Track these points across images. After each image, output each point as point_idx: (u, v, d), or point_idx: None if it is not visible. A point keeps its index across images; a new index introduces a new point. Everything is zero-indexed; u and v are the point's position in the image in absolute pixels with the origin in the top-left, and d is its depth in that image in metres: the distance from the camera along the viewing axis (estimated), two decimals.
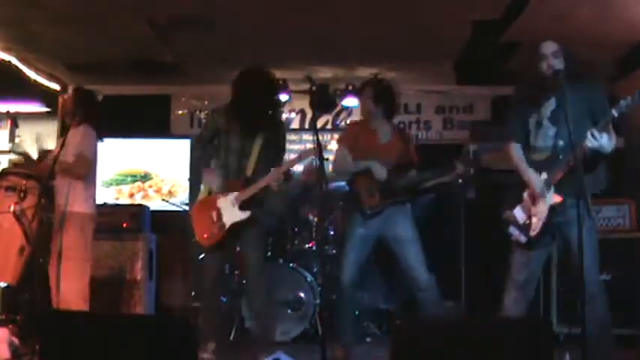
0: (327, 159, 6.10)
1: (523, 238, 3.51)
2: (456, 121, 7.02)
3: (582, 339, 2.98)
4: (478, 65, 6.05)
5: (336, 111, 7.05)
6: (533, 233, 3.47)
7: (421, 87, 6.89)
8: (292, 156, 4.21)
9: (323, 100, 6.58)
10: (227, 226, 4.04)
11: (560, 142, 3.40)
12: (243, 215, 4.02)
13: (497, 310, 3.66)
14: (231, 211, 4.03)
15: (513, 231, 3.56)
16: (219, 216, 4.05)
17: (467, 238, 5.67)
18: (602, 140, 3.19)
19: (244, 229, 4.07)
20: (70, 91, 4.68)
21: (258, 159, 4.09)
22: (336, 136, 6.94)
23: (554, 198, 3.40)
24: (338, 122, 7.12)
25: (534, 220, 3.46)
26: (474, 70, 6.24)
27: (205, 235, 4.08)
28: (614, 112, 3.19)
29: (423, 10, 5.01)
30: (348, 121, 6.91)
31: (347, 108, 7.04)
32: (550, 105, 3.47)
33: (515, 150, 3.59)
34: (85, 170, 4.34)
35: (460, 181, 4.48)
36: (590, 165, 3.33)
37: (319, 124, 7.02)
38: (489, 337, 2.62)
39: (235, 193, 4.04)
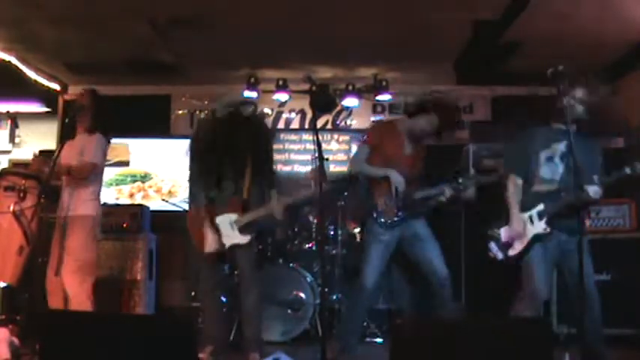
0: (327, 159, 6.13)
1: (500, 256, 3.72)
2: None
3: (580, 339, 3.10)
4: (478, 65, 6.05)
5: (336, 111, 7.05)
6: (511, 253, 3.66)
7: (421, 87, 6.89)
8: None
9: (323, 100, 6.58)
10: (226, 247, 4.08)
11: (567, 181, 3.56)
12: (244, 240, 4.08)
13: (498, 310, 3.67)
14: (231, 233, 4.07)
15: (492, 247, 3.75)
16: (218, 234, 4.08)
17: (467, 238, 5.66)
18: (599, 194, 3.48)
19: (240, 248, 4.11)
20: (81, 90, 4.55)
21: (252, 179, 4.12)
22: (336, 136, 6.98)
23: (542, 228, 3.58)
24: (338, 122, 7.13)
25: (517, 243, 3.65)
26: (474, 70, 6.24)
27: (205, 248, 4.10)
28: (628, 171, 3.48)
29: (423, 10, 5.02)
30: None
31: (347, 108, 7.05)
32: (561, 147, 3.64)
33: (515, 184, 3.73)
34: (87, 174, 4.24)
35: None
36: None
37: (319, 124, 7.02)
38: (489, 337, 2.62)
39: (235, 216, 4.07)
